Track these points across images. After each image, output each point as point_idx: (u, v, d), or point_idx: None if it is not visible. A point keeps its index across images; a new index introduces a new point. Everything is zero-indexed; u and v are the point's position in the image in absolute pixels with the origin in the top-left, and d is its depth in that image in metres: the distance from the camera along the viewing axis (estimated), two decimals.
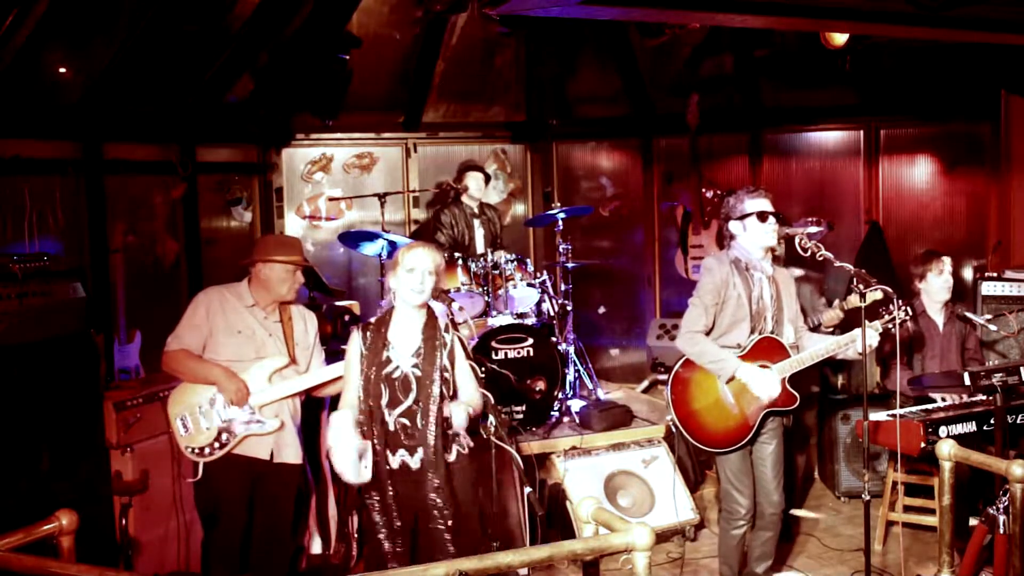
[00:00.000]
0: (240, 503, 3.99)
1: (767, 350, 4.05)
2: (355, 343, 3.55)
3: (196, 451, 3.94)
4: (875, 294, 4.01)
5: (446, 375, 3.50)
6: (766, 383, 3.97)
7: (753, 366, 3.99)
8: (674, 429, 4.22)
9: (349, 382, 3.56)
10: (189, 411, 3.96)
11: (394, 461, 3.45)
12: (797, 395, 4.06)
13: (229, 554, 3.99)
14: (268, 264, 4.04)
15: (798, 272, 5.44)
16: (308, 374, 4.13)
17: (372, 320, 3.62)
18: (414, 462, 3.45)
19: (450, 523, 3.44)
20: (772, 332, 4.08)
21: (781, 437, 4.20)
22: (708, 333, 4.07)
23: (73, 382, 4.12)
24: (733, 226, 4.09)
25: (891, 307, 4.03)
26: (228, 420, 3.96)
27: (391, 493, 3.45)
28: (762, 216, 3.99)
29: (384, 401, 3.44)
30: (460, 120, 7.52)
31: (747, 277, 4.05)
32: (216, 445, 3.94)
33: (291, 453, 4.10)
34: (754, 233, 4.03)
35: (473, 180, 6.25)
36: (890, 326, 4.04)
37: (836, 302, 4.85)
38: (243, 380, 3.96)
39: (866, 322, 3.95)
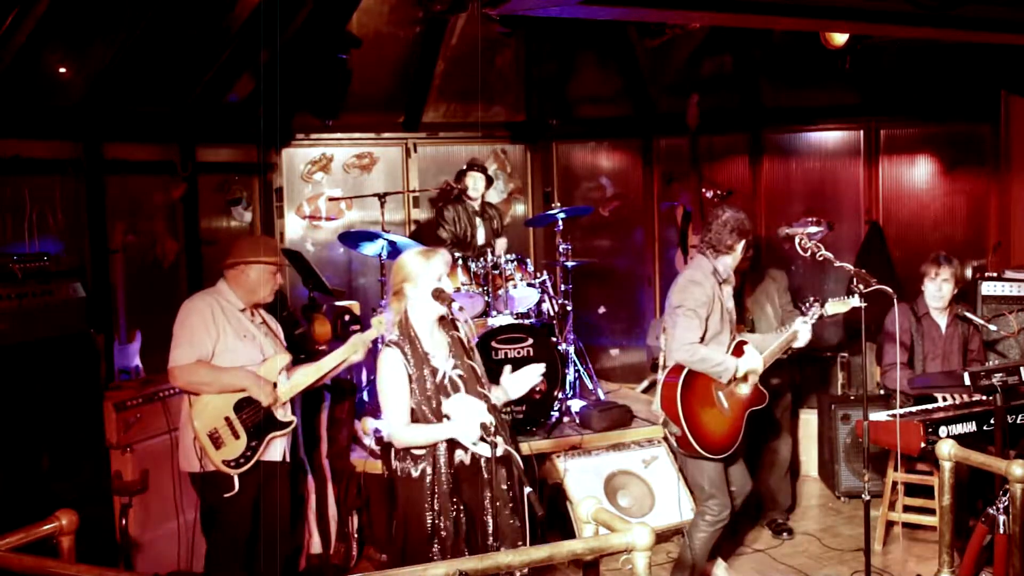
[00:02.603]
0: (250, 505, 3.96)
1: (741, 353, 4.32)
2: (398, 362, 3.41)
3: (231, 464, 3.83)
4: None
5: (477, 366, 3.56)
6: (758, 361, 4.29)
7: (745, 358, 4.28)
8: (673, 438, 4.36)
9: (399, 402, 3.41)
10: (217, 424, 3.84)
11: (461, 456, 3.45)
12: (767, 393, 4.41)
13: (236, 555, 3.97)
14: (251, 265, 3.97)
15: (777, 272, 5.50)
16: (313, 366, 4.09)
17: (395, 338, 3.48)
18: (467, 458, 3.46)
19: (511, 506, 3.46)
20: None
21: None
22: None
23: (73, 382, 4.11)
24: (732, 241, 4.29)
25: (814, 300, 4.42)
26: (256, 425, 3.89)
27: (452, 489, 3.44)
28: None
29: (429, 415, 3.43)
30: (460, 120, 7.51)
31: (722, 290, 4.33)
32: (249, 454, 3.87)
33: (289, 450, 4.12)
34: (741, 258, 4.35)
35: (472, 180, 6.25)
36: (813, 320, 4.37)
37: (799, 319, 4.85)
38: (269, 380, 3.92)
39: (800, 318, 4.36)
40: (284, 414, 4.00)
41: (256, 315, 4.10)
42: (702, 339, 4.19)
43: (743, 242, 4.29)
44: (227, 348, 3.90)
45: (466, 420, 3.31)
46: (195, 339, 3.85)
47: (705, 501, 4.36)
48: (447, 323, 3.60)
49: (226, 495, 3.85)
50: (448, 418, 3.38)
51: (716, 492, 4.31)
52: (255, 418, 3.90)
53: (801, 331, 4.36)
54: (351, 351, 4.02)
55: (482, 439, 3.24)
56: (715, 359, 4.17)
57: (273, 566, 4.08)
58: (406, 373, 3.42)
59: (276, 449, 4.00)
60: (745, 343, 4.34)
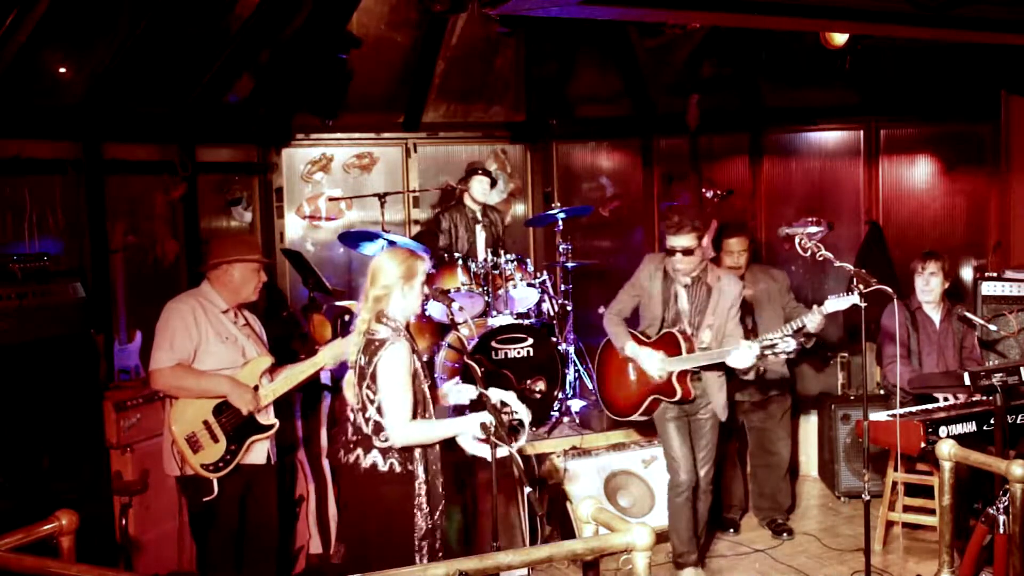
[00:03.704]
0: (234, 508, 3.94)
1: (667, 344, 4.52)
2: (408, 356, 3.36)
3: (210, 468, 3.80)
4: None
5: None
6: (648, 361, 4.50)
7: (640, 348, 4.54)
8: (593, 391, 5.03)
9: (406, 397, 3.33)
10: (195, 428, 3.80)
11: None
12: (689, 390, 4.48)
13: (225, 556, 3.95)
14: (234, 265, 3.93)
15: (778, 273, 5.49)
16: (295, 368, 4.05)
17: (401, 335, 3.41)
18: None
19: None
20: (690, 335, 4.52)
21: (716, 427, 4.64)
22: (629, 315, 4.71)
23: (73, 382, 4.11)
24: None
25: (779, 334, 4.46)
26: (235, 429, 3.86)
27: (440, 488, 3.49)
28: (670, 251, 4.45)
29: (431, 409, 3.46)
30: (460, 120, 7.50)
31: (668, 283, 4.56)
32: (228, 457, 3.83)
33: (276, 452, 4.10)
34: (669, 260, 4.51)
35: (477, 183, 6.19)
36: (768, 352, 4.24)
37: (814, 307, 4.81)
38: (250, 386, 3.88)
39: (746, 342, 4.25)
40: (266, 417, 3.97)
41: (239, 316, 4.05)
42: (627, 318, 4.72)
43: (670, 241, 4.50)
44: (208, 351, 3.85)
45: (473, 419, 3.32)
46: (175, 342, 3.80)
47: (667, 467, 4.67)
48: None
49: (205, 499, 3.82)
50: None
51: (671, 459, 4.61)
52: (235, 421, 3.85)
53: (734, 355, 4.25)
54: (329, 356, 3.97)
55: (485, 440, 3.25)
56: (613, 330, 4.70)
57: (262, 568, 4.07)
58: (412, 367, 3.40)
59: (259, 452, 3.95)
60: (668, 337, 4.50)
